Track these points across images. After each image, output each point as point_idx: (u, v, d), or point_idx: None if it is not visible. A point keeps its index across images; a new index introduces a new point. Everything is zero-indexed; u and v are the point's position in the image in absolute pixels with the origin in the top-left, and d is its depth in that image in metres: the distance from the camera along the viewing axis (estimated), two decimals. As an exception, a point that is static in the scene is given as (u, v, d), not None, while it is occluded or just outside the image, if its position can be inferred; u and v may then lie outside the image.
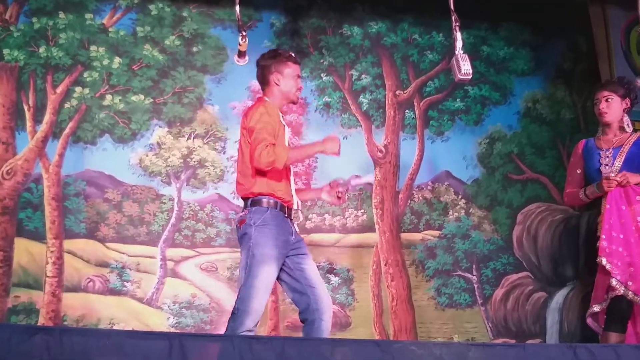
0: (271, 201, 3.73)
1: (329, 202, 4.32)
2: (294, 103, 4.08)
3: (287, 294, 3.88)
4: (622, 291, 4.03)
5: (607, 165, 4.28)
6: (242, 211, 3.81)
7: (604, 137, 4.39)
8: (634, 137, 4.34)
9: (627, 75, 5.45)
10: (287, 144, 3.87)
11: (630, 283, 4.04)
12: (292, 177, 3.91)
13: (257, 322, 3.64)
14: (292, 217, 3.84)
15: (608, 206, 4.16)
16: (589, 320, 4.26)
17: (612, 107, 4.31)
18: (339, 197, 4.02)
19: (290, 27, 5.68)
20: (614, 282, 4.04)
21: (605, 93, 4.34)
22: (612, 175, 4.17)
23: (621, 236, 4.11)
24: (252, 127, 3.72)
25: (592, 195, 4.30)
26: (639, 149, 4.28)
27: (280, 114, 3.89)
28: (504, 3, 5.84)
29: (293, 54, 4.00)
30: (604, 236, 4.12)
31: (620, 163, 4.25)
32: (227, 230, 5.22)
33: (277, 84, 3.87)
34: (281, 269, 3.75)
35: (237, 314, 3.60)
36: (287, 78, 3.87)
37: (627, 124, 4.36)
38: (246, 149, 3.78)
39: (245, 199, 3.81)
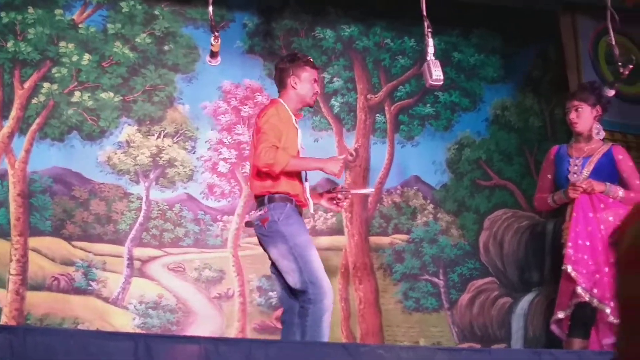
0: (287, 198, 3.84)
1: (327, 209, 4.38)
2: (310, 106, 4.21)
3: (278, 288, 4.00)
4: (587, 298, 4.08)
5: (576, 173, 4.33)
6: (259, 210, 3.86)
7: (576, 145, 4.43)
8: (605, 147, 4.39)
9: (596, 85, 5.54)
10: (299, 146, 3.96)
11: (595, 290, 4.09)
12: (306, 181, 3.98)
13: None
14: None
15: (575, 214, 4.20)
16: (553, 327, 4.30)
17: (582, 116, 4.35)
18: (338, 204, 4.12)
19: (263, 28, 5.67)
20: (579, 289, 4.09)
21: (575, 103, 4.37)
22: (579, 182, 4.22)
23: (587, 243, 4.16)
24: (260, 127, 3.81)
25: (559, 201, 4.35)
26: (609, 160, 4.34)
27: (294, 117, 3.96)
28: (475, 10, 5.89)
29: (311, 59, 4.09)
30: (570, 244, 4.17)
31: (589, 172, 4.30)
32: (195, 231, 5.19)
33: (294, 87, 3.97)
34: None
35: (314, 302, 3.69)
36: (304, 82, 3.98)
37: (597, 132, 4.40)
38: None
39: (260, 196, 3.88)
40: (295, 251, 3.76)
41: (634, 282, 1.41)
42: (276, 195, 3.82)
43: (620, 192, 4.24)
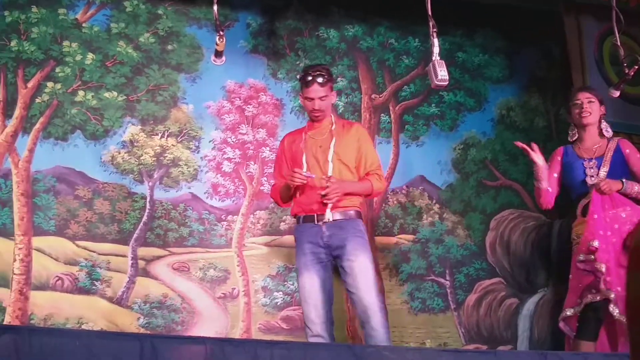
0: (297, 218, 4.29)
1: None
2: (313, 121, 4.39)
3: None
4: (610, 296, 4.00)
5: (593, 176, 4.31)
6: None
7: (583, 145, 4.42)
8: (613, 144, 4.38)
9: (600, 86, 5.53)
10: (304, 162, 4.21)
11: (619, 288, 4.02)
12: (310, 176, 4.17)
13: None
14: (324, 221, 4.14)
15: (596, 216, 4.16)
16: (561, 324, 4.26)
17: (594, 109, 4.37)
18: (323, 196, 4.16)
19: (267, 27, 5.65)
20: (601, 284, 4.01)
21: (587, 95, 4.39)
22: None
23: (609, 233, 4.11)
24: None
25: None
26: (620, 156, 4.33)
27: (305, 135, 4.31)
28: (480, 10, 5.87)
29: (307, 76, 4.24)
30: (596, 242, 4.09)
31: (606, 172, 4.28)
32: (200, 230, 5.17)
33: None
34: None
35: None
36: (304, 100, 4.29)
37: (607, 129, 4.41)
38: None
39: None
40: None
41: None
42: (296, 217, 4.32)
43: (636, 187, 4.22)
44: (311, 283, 4.08)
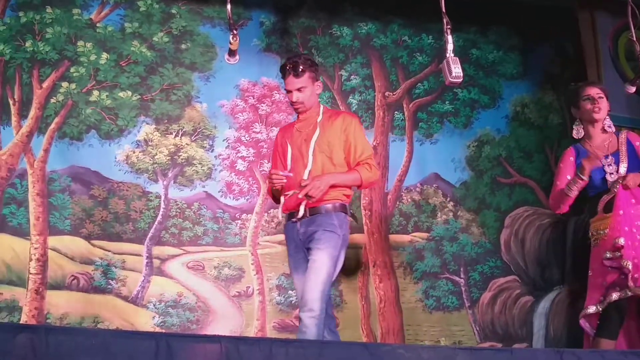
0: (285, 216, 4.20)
1: None
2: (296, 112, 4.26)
3: None
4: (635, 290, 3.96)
5: (613, 173, 4.27)
6: None
7: (592, 142, 4.38)
8: (622, 137, 4.36)
9: (615, 81, 5.50)
10: (289, 156, 4.11)
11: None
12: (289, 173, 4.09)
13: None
14: (298, 218, 4.00)
15: (621, 212, 4.11)
16: (582, 322, 4.20)
17: (604, 104, 4.35)
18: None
19: (280, 26, 5.65)
20: (629, 280, 3.97)
21: (598, 90, 4.37)
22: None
23: (634, 230, 4.07)
24: None
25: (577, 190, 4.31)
26: (632, 149, 4.30)
27: (293, 128, 4.19)
28: (494, 7, 5.84)
29: (284, 67, 4.11)
30: (622, 239, 4.04)
31: (626, 168, 4.25)
32: (214, 229, 5.18)
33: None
34: None
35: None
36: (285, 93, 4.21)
37: (609, 125, 4.39)
38: None
39: None
40: None
41: None
42: None
43: None
44: (300, 283, 3.98)
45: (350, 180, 4.06)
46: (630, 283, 3.97)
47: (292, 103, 4.13)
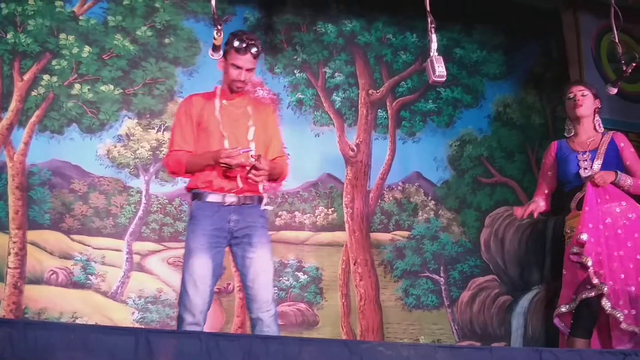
0: (202, 193, 3.78)
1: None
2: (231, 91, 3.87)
3: None
4: (595, 282, 3.99)
5: (586, 168, 4.30)
6: None
7: (577, 139, 4.41)
8: (607, 137, 4.38)
9: (597, 83, 5.53)
10: (225, 135, 3.76)
11: (603, 274, 4.01)
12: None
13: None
14: (232, 203, 3.72)
15: (587, 208, 4.15)
16: (556, 320, 4.23)
17: (587, 102, 4.37)
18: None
19: (264, 22, 5.64)
20: (590, 272, 4.00)
21: (580, 88, 4.40)
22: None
23: (601, 227, 4.10)
24: None
25: None
26: (614, 149, 4.33)
27: (220, 103, 3.81)
28: (478, 6, 5.86)
29: (242, 42, 3.75)
30: (585, 235, 4.07)
31: (599, 165, 4.28)
32: (195, 225, 5.15)
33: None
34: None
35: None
36: (228, 66, 3.79)
37: (599, 124, 4.41)
38: None
39: None
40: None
41: None
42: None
43: (629, 181, 4.21)
44: (205, 267, 3.63)
45: (279, 174, 3.89)
46: (594, 280, 4.01)
47: (236, 81, 3.78)
